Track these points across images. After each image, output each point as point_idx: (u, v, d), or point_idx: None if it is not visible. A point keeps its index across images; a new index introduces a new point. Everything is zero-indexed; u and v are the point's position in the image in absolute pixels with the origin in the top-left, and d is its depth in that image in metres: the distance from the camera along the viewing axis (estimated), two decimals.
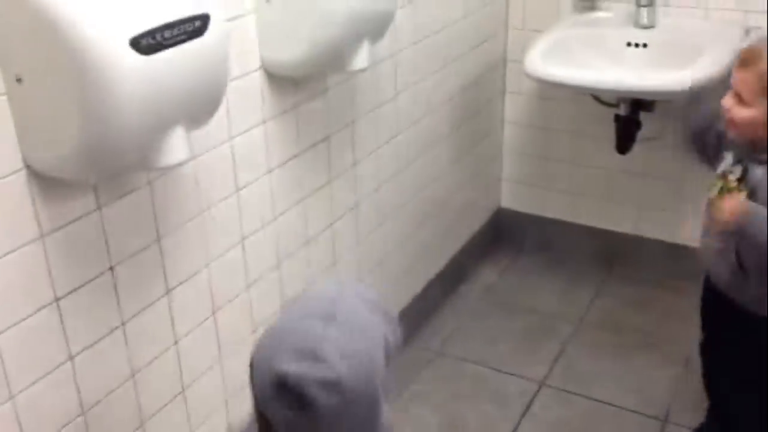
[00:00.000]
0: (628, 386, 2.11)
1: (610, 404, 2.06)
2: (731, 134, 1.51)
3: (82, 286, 1.22)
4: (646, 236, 2.53)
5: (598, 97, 2.29)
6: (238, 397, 1.61)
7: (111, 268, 1.26)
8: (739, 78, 1.45)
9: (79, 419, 1.26)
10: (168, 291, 1.39)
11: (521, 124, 2.60)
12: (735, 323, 1.63)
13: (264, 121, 1.53)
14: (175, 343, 1.43)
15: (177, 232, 1.38)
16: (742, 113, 1.45)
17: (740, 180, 1.52)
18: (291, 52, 1.46)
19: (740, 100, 1.45)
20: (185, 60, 1.05)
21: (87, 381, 1.26)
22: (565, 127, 2.52)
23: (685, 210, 2.45)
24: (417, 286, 2.29)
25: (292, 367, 0.87)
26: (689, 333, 2.30)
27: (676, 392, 2.08)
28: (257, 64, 1.48)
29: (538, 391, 2.12)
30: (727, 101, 1.47)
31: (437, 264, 2.39)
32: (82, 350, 1.24)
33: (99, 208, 1.21)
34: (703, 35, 2.11)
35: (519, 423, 2.00)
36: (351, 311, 0.93)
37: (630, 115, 2.24)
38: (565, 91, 2.34)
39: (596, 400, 2.08)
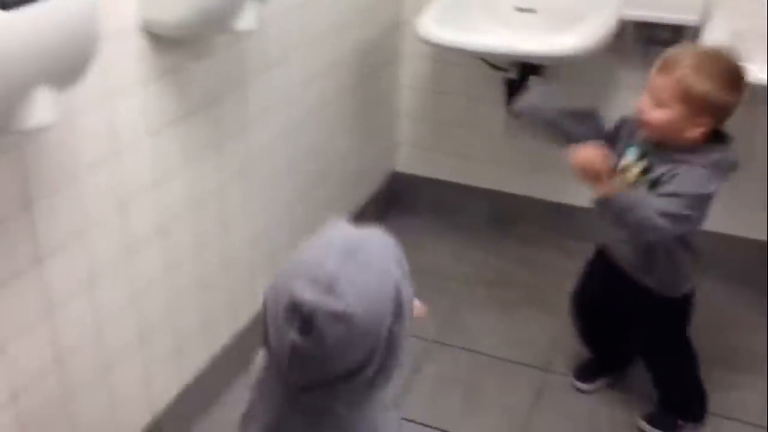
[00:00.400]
0: (513, 339, 2.20)
1: (496, 357, 2.14)
2: (644, 133, 1.62)
3: None
4: (536, 197, 2.61)
5: (488, 61, 2.33)
6: (114, 372, 1.58)
7: None
8: (657, 82, 1.55)
9: None
10: (39, 260, 1.34)
11: (417, 88, 2.62)
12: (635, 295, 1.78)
13: (145, 82, 1.48)
14: (49, 314, 1.39)
15: (51, 198, 1.33)
16: (657, 115, 1.55)
17: (643, 173, 1.62)
18: (173, 11, 1.41)
19: (656, 102, 1.55)
20: (49, 16, 1.00)
21: None
22: (458, 90, 2.55)
23: (567, 171, 2.53)
24: None
25: (306, 294, 0.90)
26: (568, 285, 2.41)
27: (556, 343, 2.18)
28: (136, 23, 1.42)
29: (429, 348, 2.17)
30: (643, 103, 1.58)
31: None
32: None
33: None
34: (587, 1, 2.17)
35: (410, 381, 2.05)
36: (370, 252, 0.96)
37: (519, 79, 2.29)
38: (457, 54, 2.36)
39: (484, 354, 2.15)
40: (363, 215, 2.56)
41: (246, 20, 1.47)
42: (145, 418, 1.71)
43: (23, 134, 1.18)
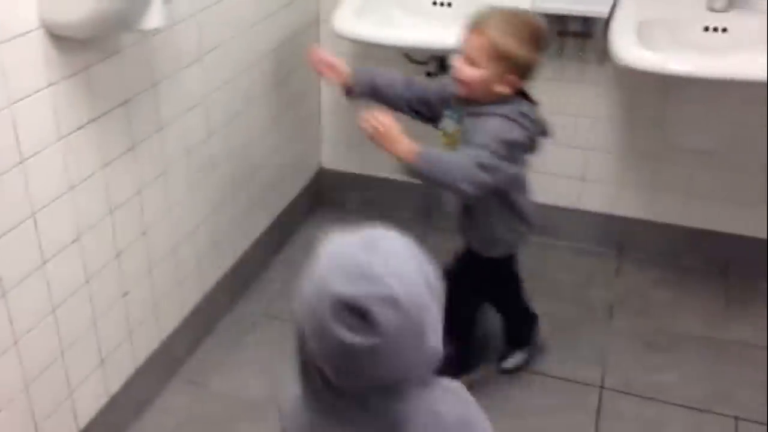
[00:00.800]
0: None
1: None
2: (457, 90, 1.67)
3: None
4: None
5: (408, 55, 2.34)
6: (35, 386, 1.53)
7: None
8: (468, 42, 1.62)
9: None
10: None
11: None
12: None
13: (49, 85, 1.44)
14: None
15: None
16: (470, 72, 1.62)
17: (458, 127, 1.72)
18: (75, 11, 1.36)
19: (469, 61, 1.62)
20: None
21: None
22: None
23: None
24: (238, 250, 2.26)
25: (349, 289, 0.86)
26: None
27: (484, 332, 2.20)
28: (35, 24, 1.37)
29: None
30: (457, 61, 1.65)
31: (258, 227, 2.37)
32: None
33: None
34: None
35: None
36: (388, 241, 0.93)
37: (439, 72, 2.31)
38: (376, 50, 2.36)
39: None
40: (291, 212, 2.55)
41: (152, 19, 1.43)
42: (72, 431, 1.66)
43: None
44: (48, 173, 1.47)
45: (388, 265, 0.89)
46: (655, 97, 2.30)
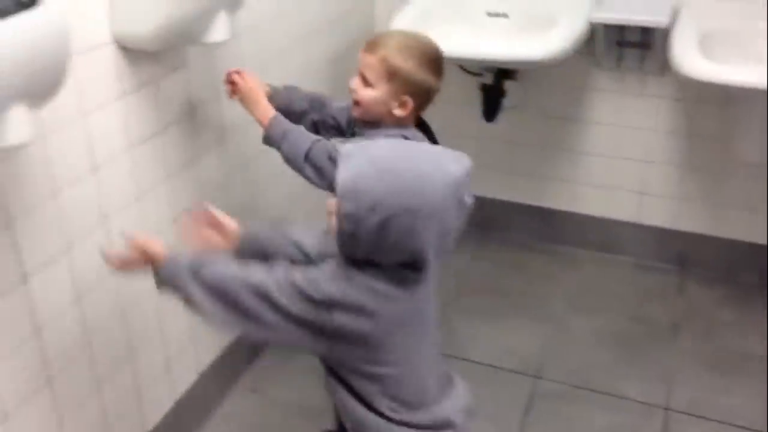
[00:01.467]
0: (502, 346, 2.19)
1: (485, 365, 2.13)
2: (355, 112, 1.62)
3: None
4: (514, 201, 2.62)
5: (463, 66, 2.35)
6: (105, 388, 1.57)
7: None
8: (364, 61, 1.57)
9: None
10: (24, 278, 1.33)
11: None
12: None
13: (121, 96, 1.48)
14: (37, 333, 1.37)
15: (31, 215, 1.32)
16: (364, 93, 1.57)
17: None
18: (144, 24, 1.41)
19: (364, 81, 1.57)
20: (16, 34, 1.00)
21: None
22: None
23: (549, 175, 2.56)
24: None
25: (459, 166, 1.11)
26: (557, 292, 2.42)
27: (546, 350, 2.18)
28: (108, 38, 1.42)
29: None
30: (354, 82, 1.59)
31: None
32: None
33: None
34: (559, 4, 2.20)
35: None
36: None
37: (494, 84, 2.31)
38: None
39: (473, 361, 2.14)
40: None
41: (217, 32, 1.47)
42: None
43: (2, 151, 1.18)
44: (117, 183, 1.51)
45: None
46: (717, 110, 2.26)
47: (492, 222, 2.67)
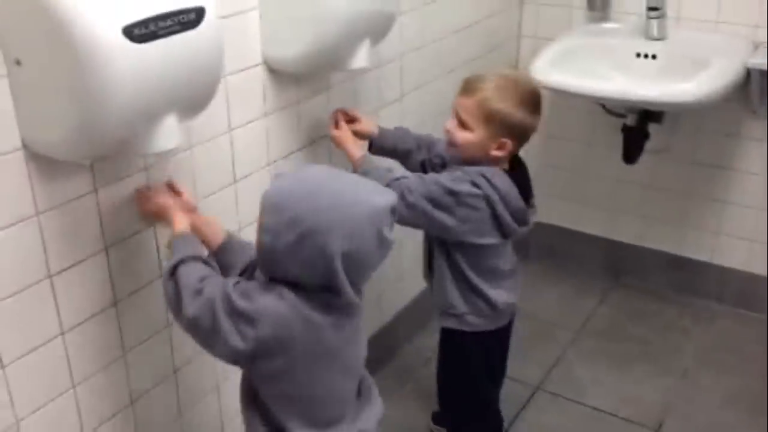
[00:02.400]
0: (623, 395, 2.12)
1: (603, 411, 2.07)
2: (449, 152, 1.63)
3: (75, 264, 1.26)
4: (650, 247, 2.53)
5: (606, 107, 2.30)
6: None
7: (105, 249, 1.31)
8: (460, 104, 1.57)
9: (69, 392, 1.32)
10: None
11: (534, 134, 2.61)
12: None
13: (265, 115, 1.58)
14: (168, 326, 1.48)
15: None
16: (462, 135, 1.57)
17: None
18: (292, 48, 1.50)
19: (461, 124, 1.56)
20: (177, 50, 1.10)
21: (77, 356, 1.31)
22: (574, 136, 2.54)
23: (691, 223, 2.45)
24: (413, 291, 2.31)
25: (383, 199, 1.15)
26: (688, 345, 2.31)
27: (669, 403, 2.08)
28: (259, 59, 1.52)
29: (532, 395, 2.13)
30: (450, 124, 1.59)
31: None
32: (74, 326, 1.29)
33: (95, 190, 1.26)
34: (711, 48, 2.12)
35: (510, 426, 2.02)
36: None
37: (638, 126, 2.25)
38: (574, 100, 2.35)
39: (590, 407, 2.09)
40: None
41: (359, 59, 1.54)
42: None
43: (150, 156, 1.29)
44: (254, 196, 1.60)
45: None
46: None
47: (626, 267, 2.59)
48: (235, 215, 1.57)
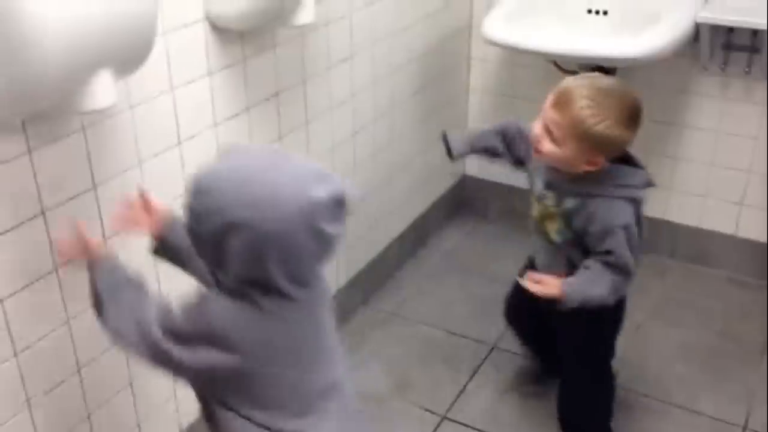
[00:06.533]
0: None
1: None
2: (535, 155, 1.55)
3: (10, 230, 1.22)
4: None
5: (558, 63, 2.29)
6: None
7: (42, 213, 1.27)
8: (550, 117, 1.47)
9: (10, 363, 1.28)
10: (106, 241, 1.40)
11: (486, 91, 2.61)
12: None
13: (209, 74, 1.53)
14: None
15: (115, 182, 1.39)
16: (551, 148, 1.48)
17: (557, 205, 1.58)
18: (235, 3, 1.46)
19: (550, 136, 1.47)
20: (108, 3, 1.05)
21: (19, 328, 1.27)
22: (528, 94, 2.52)
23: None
24: (376, 247, 2.31)
25: (326, 188, 1.03)
26: (641, 300, 2.34)
27: (623, 356, 2.11)
28: (200, 15, 1.48)
29: (489, 353, 2.15)
30: (538, 129, 1.50)
31: (397, 227, 2.40)
32: (9, 296, 1.25)
33: (29, 151, 1.22)
34: (662, 2, 2.11)
35: (467, 383, 2.03)
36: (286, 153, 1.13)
37: None
38: (527, 57, 2.34)
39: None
40: (431, 217, 2.56)
41: (304, 14, 1.50)
42: None
43: (86, 114, 1.24)
44: (200, 157, 1.56)
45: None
46: None
47: None
48: (182, 177, 1.53)
